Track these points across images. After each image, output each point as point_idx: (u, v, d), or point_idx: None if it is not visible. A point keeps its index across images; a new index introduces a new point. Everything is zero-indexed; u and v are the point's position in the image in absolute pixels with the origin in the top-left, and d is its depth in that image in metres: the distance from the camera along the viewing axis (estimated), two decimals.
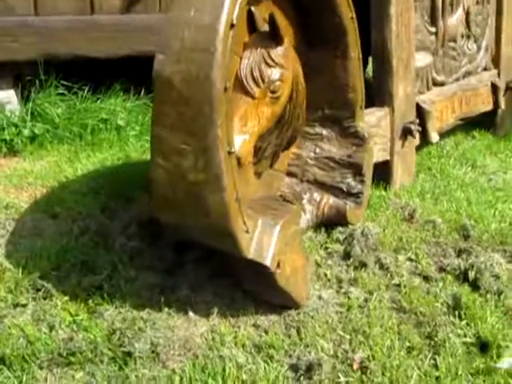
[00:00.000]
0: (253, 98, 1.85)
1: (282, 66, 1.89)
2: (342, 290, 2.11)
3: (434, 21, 2.67)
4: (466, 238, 2.38)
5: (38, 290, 2.02)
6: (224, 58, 1.52)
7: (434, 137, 2.68)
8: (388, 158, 2.58)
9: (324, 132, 2.36)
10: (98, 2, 2.80)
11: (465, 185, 2.73)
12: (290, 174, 2.38)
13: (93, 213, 2.36)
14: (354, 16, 2.15)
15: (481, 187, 2.71)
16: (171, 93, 1.54)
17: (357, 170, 2.36)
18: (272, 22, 1.81)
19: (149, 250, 2.20)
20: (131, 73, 3.04)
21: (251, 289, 2.01)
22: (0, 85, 2.76)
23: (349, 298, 2.08)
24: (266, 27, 1.86)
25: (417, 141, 2.69)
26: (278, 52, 1.87)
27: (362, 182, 2.37)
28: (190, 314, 1.97)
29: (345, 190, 2.37)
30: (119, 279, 2.06)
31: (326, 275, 2.17)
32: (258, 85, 1.84)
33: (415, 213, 2.47)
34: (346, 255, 2.25)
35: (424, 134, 2.67)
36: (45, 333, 1.88)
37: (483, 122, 3.21)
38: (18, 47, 2.71)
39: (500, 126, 3.21)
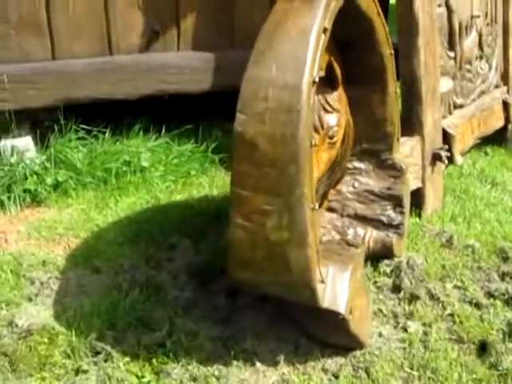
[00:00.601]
0: (313, 145, 1.84)
1: (339, 111, 1.89)
2: (400, 325, 2.12)
3: (452, 46, 2.72)
4: (506, 260, 2.43)
5: (98, 353, 1.96)
6: (309, 117, 1.51)
7: (459, 160, 2.72)
8: (420, 185, 2.61)
9: (362, 166, 2.37)
10: (115, 42, 2.73)
11: (491, 204, 2.79)
12: (329, 209, 2.37)
13: (136, 264, 2.30)
14: (393, 52, 2.16)
15: (507, 206, 2.78)
16: (254, 153, 1.51)
17: (397, 202, 2.37)
18: (330, 68, 1.81)
19: (202, 300, 2.17)
20: (150, 111, 2.98)
21: (316, 333, 2.00)
22: (18, 132, 2.66)
23: (408, 332, 2.09)
24: (320, 73, 1.85)
25: (443, 165, 2.73)
26: (334, 97, 1.87)
27: (402, 213, 2.39)
28: (258, 364, 1.94)
29: (386, 222, 2.37)
30: (180, 334, 2.01)
31: (381, 311, 2.18)
32: (317, 132, 1.84)
33: (452, 239, 2.51)
34: (396, 288, 2.27)
35: (450, 158, 2.71)
36: None
37: (493, 137, 3.28)
38: (37, 94, 2.61)
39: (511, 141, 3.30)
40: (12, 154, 2.65)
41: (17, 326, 2.01)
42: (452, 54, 2.72)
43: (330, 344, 1.99)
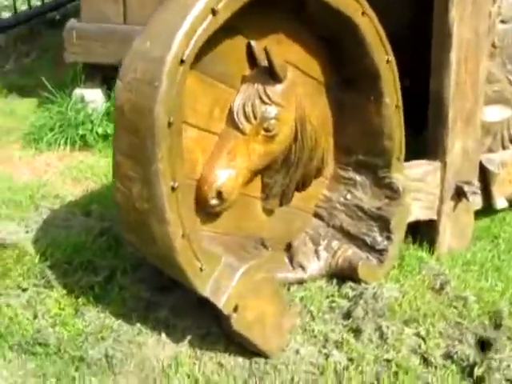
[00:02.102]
0: (243, 133, 1.80)
1: (280, 105, 1.80)
2: (324, 351, 1.94)
3: None
4: (497, 326, 2.03)
5: (43, 278, 2.19)
6: (169, 94, 1.50)
7: (500, 203, 2.34)
8: (434, 217, 2.31)
9: (358, 178, 2.20)
10: None
11: None
12: (317, 216, 2.25)
13: None
14: (392, 59, 1.96)
15: None
16: (123, 120, 1.58)
17: (385, 225, 2.16)
18: (268, 58, 1.73)
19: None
20: None
21: (223, 326, 1.96)
22: (89, 84, 3.01)
23: (327, 361, 1.91)
24: (263, 62, 1.78)
25: (478, 203, 2.37)
26: (276, 90, 1.79)
27: (389, 238, 2.17)
28: (163, 335, 1.97)
29: (369, 243, 2.18)
30: (113, 286, 2.14)
31: (313, 330, 2.01)
32: (249, 121, 1.79)
33: (448, 285, 2.18)
34: (347, 315, 2.07)
35: (488, 198, 2.34)
36: (27, 319, 2.03)
37: None
38: (106, 52, 2.94)
39: None
40: (81, 102, 3.01)
41: None
42: None
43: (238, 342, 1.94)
